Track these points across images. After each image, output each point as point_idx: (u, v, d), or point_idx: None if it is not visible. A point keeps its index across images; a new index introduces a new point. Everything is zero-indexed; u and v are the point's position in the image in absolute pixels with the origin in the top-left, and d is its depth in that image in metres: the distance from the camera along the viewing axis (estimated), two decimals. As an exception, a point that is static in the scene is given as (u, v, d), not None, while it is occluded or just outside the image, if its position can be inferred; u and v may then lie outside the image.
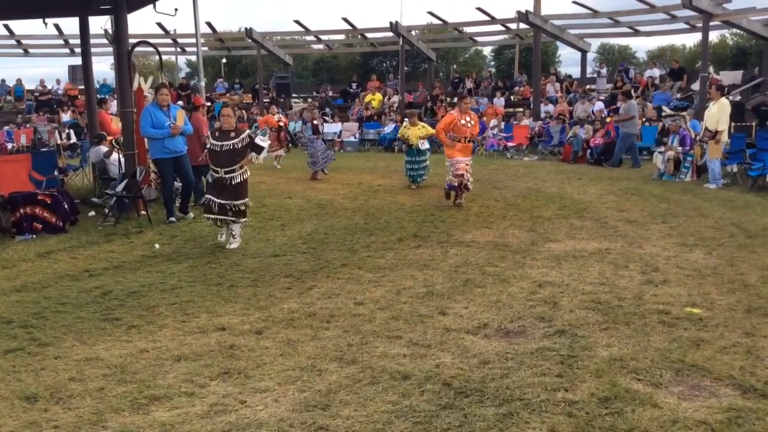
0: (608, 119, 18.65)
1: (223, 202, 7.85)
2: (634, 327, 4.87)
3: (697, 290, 5.74)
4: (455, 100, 23.10)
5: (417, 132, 12.77)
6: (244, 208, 8.01)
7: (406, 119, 14.66)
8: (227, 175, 7.85)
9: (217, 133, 7.97)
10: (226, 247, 7.90)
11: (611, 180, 13.18)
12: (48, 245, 8.30)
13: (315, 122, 15.68)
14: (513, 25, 26.13)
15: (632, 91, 19.14)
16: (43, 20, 14.82)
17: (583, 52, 25.90)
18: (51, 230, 9.04)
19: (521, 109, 23.11)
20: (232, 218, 7.95)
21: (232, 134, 7.88)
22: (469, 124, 10.38)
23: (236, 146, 7.83)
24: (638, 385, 3.87)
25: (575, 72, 27.10)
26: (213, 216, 7.99)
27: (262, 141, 8.13)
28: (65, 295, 6.18)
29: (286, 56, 29.77)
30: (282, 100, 27.44)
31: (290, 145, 21.00)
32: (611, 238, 7.93)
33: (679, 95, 21.15)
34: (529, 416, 3.53)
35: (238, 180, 7.91)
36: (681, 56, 44.04)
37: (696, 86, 20.47)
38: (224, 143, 7.82)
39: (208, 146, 7.99)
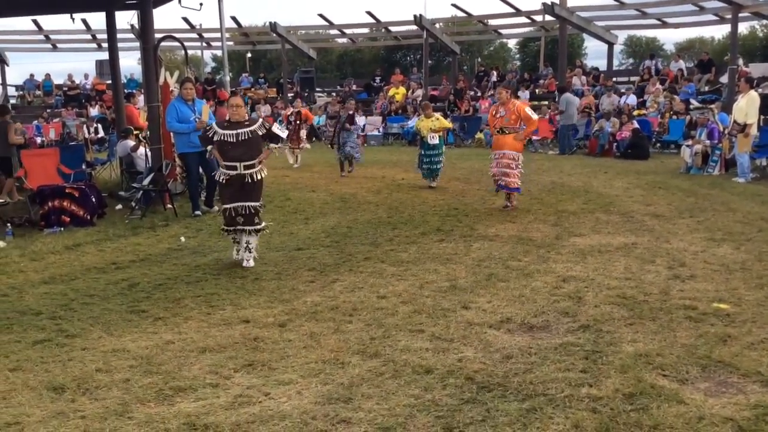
0: (635, 112, 18.49)
1: (238, 205, 6.74)
2: (660, 322, 4.81)
3: (724, 285, 5.66)
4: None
5: (428, 124, 12.00)
6: (254, 211, 6.82)
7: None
8: (247, 171, 6.71)
9: (225, 123, 6.83)
10: (243, 265, 6.78)
11: (638, 174, 13.03)
12: (76, 238, 8.42)
13: (351, 113, 14.44)
14: (538, 17, 25.91)
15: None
16: (71, 15, 15.03)
17: (610, 45, 25.58)
18: (79, 223, 9.17)
19: (546, 102, 22.92)
20: (246, 226, 6.79)
21: (246, 123, 6.81)
22: (498, 115, 9.66)
23: (253, 134, 6.72)
24: (664, 381, 3.83)
25: (602, 64, 26.79)
26: (236, 228, 6.85)
27: (280, 130, 7.20)
28: (93, 287, 6.27)
29: (310, 50, 29.85)
30: (306, 94, 27.51)
31: (313, 139, 20.88)
32: (637, 232, 7.84)
33: (707, 88, 20.83)
34: (552, 411, 3.51)
35: (259, 177, 6.84)
36: (709, 48, 43.37)
37: (724, 79, 20.15)
38: (240, 131, 6.68)
39: (216, 138, 6.75)
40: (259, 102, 26.62)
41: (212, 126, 6.91)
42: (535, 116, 9.66)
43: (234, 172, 6.71)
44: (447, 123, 12.57)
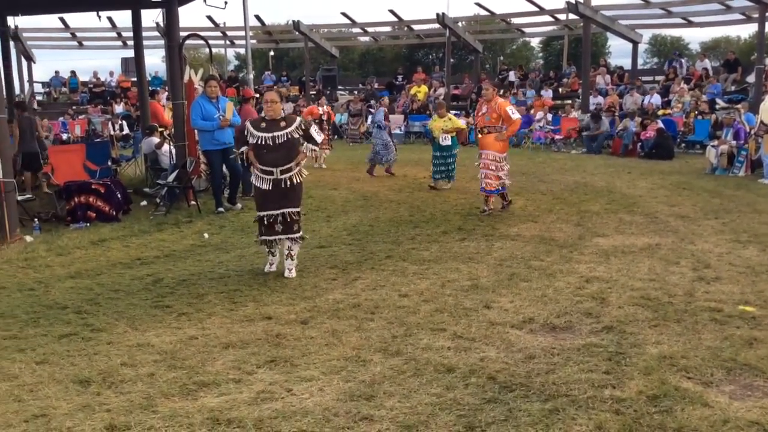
0: (660, 112, 18.29)
1: (276, 212, 6.25)
2: (684, 324, 4.77)
3: (750, 288, 5.59)
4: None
5: (440, 124, 11.76)
6: (297, 217, 6.38)
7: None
8: (284, 176, 6.20)
9: (262, 124, 6.27)
10: (285, 276, 6.31)
11: (662, 174, 12.90)
12: (101, 233, 8.52)
13: (384, 110, 14.16)
14: (562, 16, 25.79)
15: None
16: (97, 13, 15.16)
17: (635, 44, 25.33)
18: (104, 219, 9.28)
19: (569, 101, 22.77)
20: (284, 235, 6.32)
21: (283, 123, 6.24)
22: (480, 113, 9.32)
23: (291, 136, 6.20)
24: (688, 384, 3.80)
25: (626, 63, 26.58)
26: (274, 237, 6.35)
27: (317, 133, 6.49)
28: (118, 282, 6.35)
29: (332, 49, 29.92)
30: (328, 92, 27.59)
31: (335, 137, 20.91)
32: (662, 233, 7.77)
33: (733, 87, 20.57)
34: (575, 413, 3.50)
35: (297, 181, 6.30)
36: (736, 47, 42.74)
37: (751, 78, 19.87)
38: (277, 134, 6.15)
39: (252, 140, 6.22)
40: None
41: (248, 127, 6.32)
42: (516, 116, 9.19)
43: (270, 177, 6.21)
44: (460, 123, 12.25)
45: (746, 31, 50.49)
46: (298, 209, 6.38)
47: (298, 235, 6.38)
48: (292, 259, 6.39)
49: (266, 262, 6.56)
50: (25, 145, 11.35)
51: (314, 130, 6.40)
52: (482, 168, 9.19)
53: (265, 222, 6.29)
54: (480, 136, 9.35)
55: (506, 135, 9.19)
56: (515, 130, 9.65)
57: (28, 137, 11.41)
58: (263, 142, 6.15)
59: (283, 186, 6.21)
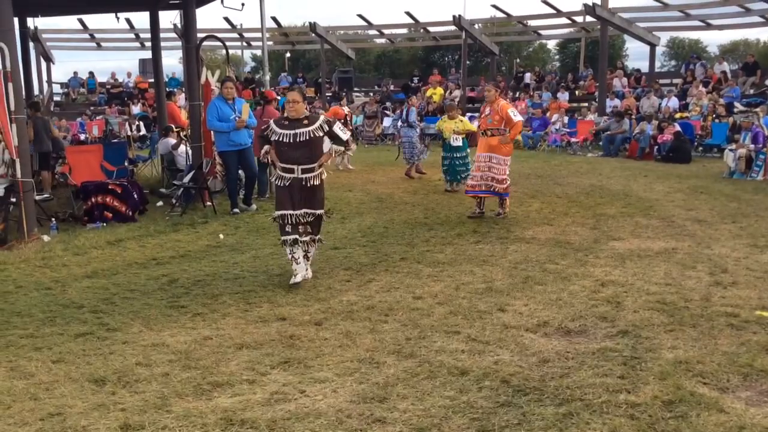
0: (677, 115, 18.14)
1: (298, 212, 6.07)
2: (700, 329, 4.73)
3: (767, 293, 5.54)
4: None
5: (451, 126, 11.71)
6: (319, 220, 6.29)
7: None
8: (305, 175, 6.05)
9: (285, 122, 6.11)
10: (292, 280, 6.10)
11: (679, 178, 12.80)
12: (118, 233, 8.58)
13: (406, 108, 14.07)
14: (579, 18, 25.63)
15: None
16: (116, 15, 15.34)
17: (652, 46, 25.17)
18: (121, 219, 9.35)
19: (586, 104, 22.65)
20: (309, 236, 6.22)
21: (306, 122, 6.06)
22: (483, 115, 9.17)
23: (314, 134, 6.02)
24: (704, 389, 3.76)
25: (643, 66, 26.42)
26: (296, 237, 6.07)
27: (342, 131, 6.26)
28: (133, 282, 6.39)
29: (348, 50, 29.98)
30: (344, 94, 27.63)
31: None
32: (678, 237, 7.71)
33: (752, 91, 20.37)
34: (589, 417, 3.48)
35: (318, 182, 6.13)
36: (755, 50, 42.38)
37: (770, 82, 19.70)
38: (298, 131, 5.98)
39: (274, 138, 6.11)
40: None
41: (270, 125, 6.21)
42: (517, 117, 9.00)
43: (290, 175, 6.06)
44: (471, 126, 12.10)
45: (765, 34, 50.10)
46: (320, 211, 6.24)
47: (316, 237, 6.32)
48: (308, 260, 6.29)
49: (291, 273, 6.17)
50: (41, 145, 11.48)
51: (339, 128, 6.21)
52: (490, 171, 8.94)
53: (284, 222, 6.09)
54: (483, 137, 9.16)
55: (510, 138, 9.00)
56: (518, 132, 9.42)
57: (43, 137, 11.53)
58: (284, 140, 6.02)
59: (303, 186, 6.05)
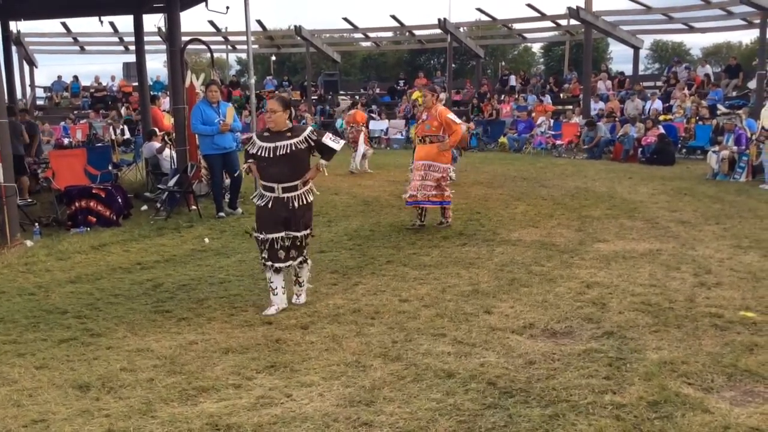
0: (661, 117, 18.27)
1: (277, 235, 5.39)
2: (685, 330, 4.76)
3: (751, 293, 5.58)
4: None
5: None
6: (299, 243, 5.51)
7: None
8: (286, 194, 5.36)
9: (267, 134, 5.45)
10: (293, 302, 5.62)
11: (663, 180, 12.89)
12: (102, 238, 8.53)
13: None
14: (563, 22, 25.78)
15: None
16: (99, 18, 15.22)
17: (636, 49, 25.36)
18: (105, 223, 9.29)
19: (570, 107, 22.78)
20: (286, 263, 5.47)
21: (288, 134, 5.37)
22: (420, 121, 8.70)
23: (296, 147, 5.32)
24: (689, 390, 3.79)
25: (627, 69, 26.59)
26: (277, 264, 5.42)
27: (333, 141, 5.51)
28: (118, 287, 6.35)
29: (334, 54, 29.94)
30: (330, 97, 27.61)
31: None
32: (663, 238, 7.76)
33: (735, 93, 20.57)
34: (575, 418, 3.49)
35: (303, 202, 5.43)
36: (737, 53, 42.79)
37: (752, 84, 19.89)
38: (279, 144, 5.31)
39: (252, 150, 5.46)
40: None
41: (252, 137, 5.62)
42: (457, 122, 8.44)
43: (271, 194, 5.40)
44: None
45: (748, 36, 50.57)
46: (302, 233, 5.50)
47: (299, 260, 5.57)
48: (300, 285, 5.69)
49: (270, 295, 5.52)
50: (12, 148, 11.36)
51: (330, 138, 5.49)
52: (429, 180, 8.41)
53: (263, 246, 5.46)
54: (420, 145, 8.59)
55: (449, 145, 8.43)
56: (457, 139, 8.55)
57: (14, 141, 11.40)
58: (263, 153, 5.35)
59: (285, 207, 5.38)
